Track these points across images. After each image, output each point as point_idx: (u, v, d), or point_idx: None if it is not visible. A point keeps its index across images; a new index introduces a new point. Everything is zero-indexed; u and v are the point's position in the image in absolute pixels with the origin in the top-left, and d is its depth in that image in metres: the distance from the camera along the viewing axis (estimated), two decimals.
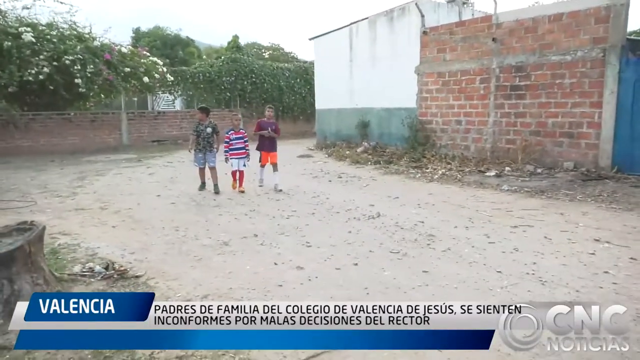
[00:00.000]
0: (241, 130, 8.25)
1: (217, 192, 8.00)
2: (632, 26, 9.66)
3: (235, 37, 22.82)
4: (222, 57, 20.87)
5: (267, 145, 8.33)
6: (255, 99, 20.38)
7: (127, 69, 15.49)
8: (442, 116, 11.81)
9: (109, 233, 5.72)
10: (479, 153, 10.89)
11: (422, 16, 12.00)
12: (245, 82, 20.05)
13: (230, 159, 8.12)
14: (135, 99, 19.61)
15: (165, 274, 4.28)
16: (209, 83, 19.52)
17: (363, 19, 14.12)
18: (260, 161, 8.45)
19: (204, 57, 27.94)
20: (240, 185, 8.19)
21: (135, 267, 4.46)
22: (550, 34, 9.50)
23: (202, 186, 8.35)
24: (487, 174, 9.25)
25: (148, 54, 16.95)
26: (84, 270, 4.35)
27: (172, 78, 17.77)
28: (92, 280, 4.14)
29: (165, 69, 17.36)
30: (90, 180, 9.73)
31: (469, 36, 10.98)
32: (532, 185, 8.09)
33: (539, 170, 9.22)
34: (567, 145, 9.37)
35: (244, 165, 8.15)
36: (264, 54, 32.93)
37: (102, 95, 16.65)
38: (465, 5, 13.46)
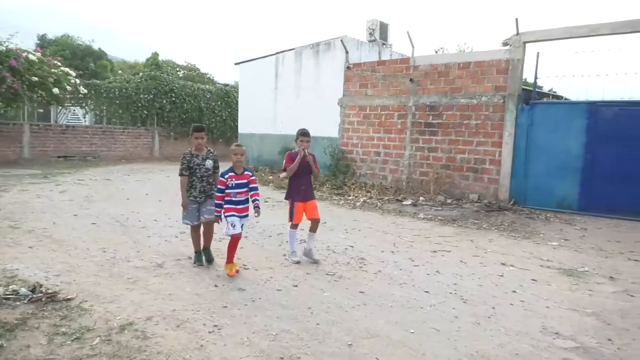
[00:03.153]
0: (247, 173, 4.96)
1: (209, 260, 5.23)
2: (530, 78, 11.10)
3: (155, 54, 22.22)
4: (141, 74, 20.20)
5: (303, 192, 5.43)
6: (174, 118, 19.91)
7: (35, 78, 14.41)
8: (363, 147, 12.52)
9: (27, 254, 5.33)
10: (395, 183, 11.67)
11: (347, 52, 12.76)
12: (165, 101, 19.53)
13: (227, 216, 4.86)
14: (41, 110, 18.19)
15: (99, 297, 4.12)
16: (126, 99, 18.72)
17: (289, 50, 14.61)
18: (291, 219, 5.46)
19: (119, 71, 26.74)
20: (230, 259, 4.95)
21: (64, 290, 4.24)
22: (459, 79, 10.62)
23: (199, 256, 5.25)
24: (404, 202, 9.96)
25: (59, 63, 15.93)
26: (7, 293, 4.05)
27: (85, 91, 16.81)
28: (18, 303, 3.88)
29: (78, 81, 16.40)
30: None
31: (389, 75, 11.88)
32: (444, 214, 8.88)
33: (449, 201, 10.13)
34: (472, 179, 10.42)
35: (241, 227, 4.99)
36: (178, 73, 32.28)
37: (2, 104, 15.22)
38: (384, 46, 14.52)
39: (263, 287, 4.56)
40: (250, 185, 4.99)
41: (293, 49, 14.53)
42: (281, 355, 3.15)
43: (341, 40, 12.78)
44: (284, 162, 5.54)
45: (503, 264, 5.72)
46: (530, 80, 10.62)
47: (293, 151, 5.56)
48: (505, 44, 10.03)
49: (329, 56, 13.44)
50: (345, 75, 12.87)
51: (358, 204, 9.87)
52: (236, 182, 4.86)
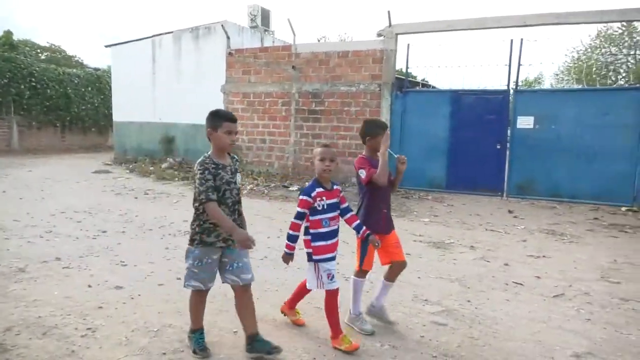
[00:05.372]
0: (336, 188, 3.34)
1: (270, 351, 2.98)
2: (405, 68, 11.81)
3: (9, 33, 19.52)
4: None
5: (385, 218, 3.61)
6: (35, 106, 17.78)
7: None
8: (248, 134, 12.42)
9: None
10: (282, 169, 11.80)
11: (228, 38, 12.48)
12: (23, 87, 17.32)
13: (319, 260, 3.25)
14: None
15: None
16: None
17: (167, 33, 13.87)
18: (361, 262, 3.58)
19: None
20: (337, 331, 3.20)
21: None
22: (339, 67, 11.02)
23: (202, 338, 3.11)
24: (291, 188, 10.14)
25: None
26: None
27: None
28: None
29: None
30: None
31: (272, 62, 11.89)
32: None
33: None
34: (354, 164, 10.93)
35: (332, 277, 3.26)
36: (40, 55, 28.97)
37: None
38: (267, 33, 14.47)
39: (143, 283, 4.34)
40: (342, 206, 3.35)
41: (171, 32, 13.81)
42: (163, 350, 3.04)
43: (222, 25, 12.46)
44: (363, 170, 3.43)
45: None
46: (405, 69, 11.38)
47: (363, 155, 3.59)
48: (379, 35, 10.60)
49: (209, 41, 13.02)
50: (228, 62, 12.60)
51: (244, 192, 9.81)
52: (327, 202, 3.19)
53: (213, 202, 2.88)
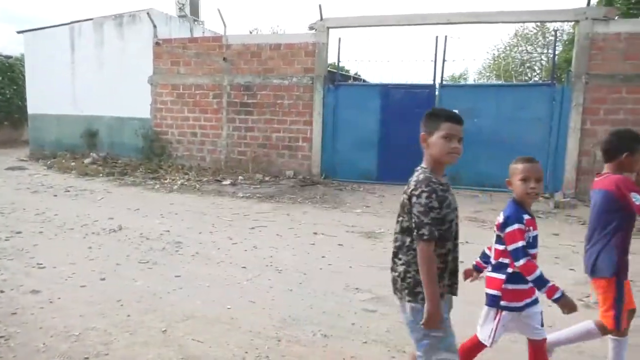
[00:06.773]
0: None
1: None
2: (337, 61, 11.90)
3: None
4: None
5: (627, 259, 2.67)
6: None
7: None
8: (178, 128, 12.01)
9: None
10: (214, 163, 11.54)
11: (155, 27, 11.95)
12: None
13: (506, 307, 2.41)
14: None
15: None
16: None
17: (87, 20, 13.03)
18: (617, 320, 2.58)
19: None
20: None
21: None
22: (272, 60, 10.92)
23: None
24: (223, 182, 9.96)
25: None
26: None
27: None
28: None
29: None
30: None
31: (202, 53, 11.56)
32: (262, 191, 9.16)
33: (267, 179, 10.47)
34: (288, 157, 10.94)
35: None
36: None
37: None
38: (196, 23, 14.03)
39: (63, 285, 4.09)
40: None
41: (91, 19, 12.99)
42: (85, 355, 2.89)
43: (148, 13, 11.90)
44: (631, 196, 2.54)
45: (315, 233, 6.20)
46: (337, 63, 11.52)
47: (614, 174, 2.69)
48: (311, 28, 10.63)
49: (134, 30, 12.39)
50: (155, 52, 12.07)
51: (175, 187, 9.50)
52: (534, 233, 2.41)
53: (432, 244, 2.05)
